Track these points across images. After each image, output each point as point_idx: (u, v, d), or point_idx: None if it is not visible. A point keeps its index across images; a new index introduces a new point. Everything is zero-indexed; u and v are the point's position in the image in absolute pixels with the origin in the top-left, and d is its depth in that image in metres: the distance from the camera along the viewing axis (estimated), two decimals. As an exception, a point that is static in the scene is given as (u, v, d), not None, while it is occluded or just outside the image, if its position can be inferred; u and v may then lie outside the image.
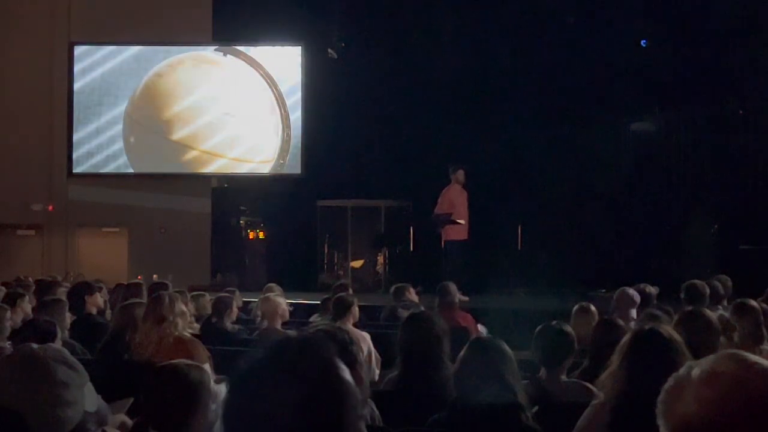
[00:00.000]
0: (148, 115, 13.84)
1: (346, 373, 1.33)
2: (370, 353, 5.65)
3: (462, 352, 3.40)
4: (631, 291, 6.32)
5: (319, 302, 7.70)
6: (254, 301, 7.88)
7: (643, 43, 12.70)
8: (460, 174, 11.30)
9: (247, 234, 14.99)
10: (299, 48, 13.92)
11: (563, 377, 4.05)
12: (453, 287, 7.22)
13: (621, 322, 4.66)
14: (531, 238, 12.52)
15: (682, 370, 1.39)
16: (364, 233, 13.69)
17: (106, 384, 2.59)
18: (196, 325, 6.48)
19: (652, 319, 4.45)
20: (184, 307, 5.12)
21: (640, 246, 12.43)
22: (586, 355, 4.47)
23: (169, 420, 2.66)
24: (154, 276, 11.18)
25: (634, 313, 6.02)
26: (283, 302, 6.52)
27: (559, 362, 4.04)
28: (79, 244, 14.09)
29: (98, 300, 6.83)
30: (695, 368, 1.37)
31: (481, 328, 6.99)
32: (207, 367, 3.44)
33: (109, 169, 13.93)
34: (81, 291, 6.76)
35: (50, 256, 13.92)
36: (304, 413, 1.26)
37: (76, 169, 13.92)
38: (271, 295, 6.74)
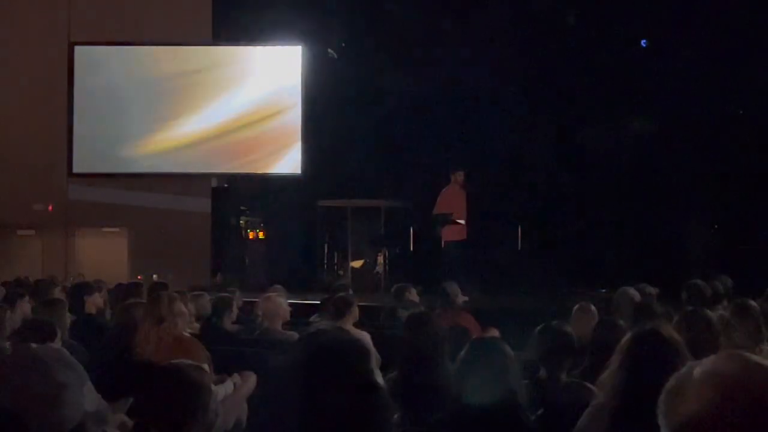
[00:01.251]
0: (149, 115, 13.82)
1: (380, 378, 1.36)
2: (370, 353, 5.64)
3: (462, 352, 3.40)
4: (631, 291, 6.32)
5: (319, 302, 7.70)
6: (255, 302, 7.88)
7: (643, 43, 12.70)
8: (460, 175, 11.35)
9: (247, 234, 14.97)
10: (299, 48, 13.91)
11: (563, 377, 4.04)
12: (453, 287, 7.22)
13: (621, 322, 4.65)
14: (531, 238, 12.52)
15: (683, 370, 1.39)
16: (364, 233, 13.67)
17: (106, 384, 2.59)
18: (196, 325, 6.49)
19: (647, 314, 4.45)
20: (183, 307, 5.13)
21: (640, 246, 12.42)
22: (586, 355, 4.47)
23: (169, 420, 2.66)
24: (154, 276, 11.18)
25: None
26: (284, 302, 6.52)
27: (559, 362, 4.04)
28: (79, 244, 14.07)
29: (98, 300, 6.84)
30: (696, 368, 1.37)
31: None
32: (207, 367, 3.43)
33: (109, 169, 13.92)
34: (81, 291, 6.78)
35: (50, 256, 13.90)
36: (338, 415, 1.28)
37: (76, 169, 13.90)
38: (272, 294, 6.74)
